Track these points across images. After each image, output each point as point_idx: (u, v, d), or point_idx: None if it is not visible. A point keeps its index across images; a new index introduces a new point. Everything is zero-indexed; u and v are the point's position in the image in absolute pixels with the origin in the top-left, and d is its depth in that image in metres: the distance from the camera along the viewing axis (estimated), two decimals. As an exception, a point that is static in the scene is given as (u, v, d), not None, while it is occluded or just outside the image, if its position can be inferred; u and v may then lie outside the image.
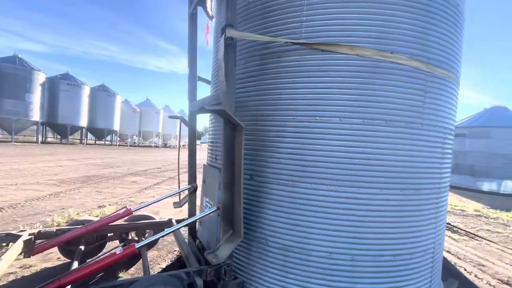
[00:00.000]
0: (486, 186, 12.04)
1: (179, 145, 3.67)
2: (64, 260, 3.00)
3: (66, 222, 4.12)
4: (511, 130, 11.72)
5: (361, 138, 1.99)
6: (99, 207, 5.25)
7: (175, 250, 3.55)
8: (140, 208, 2.99)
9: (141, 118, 35.43)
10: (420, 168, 2.11)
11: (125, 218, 3.11)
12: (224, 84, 1.99)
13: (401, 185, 2.05)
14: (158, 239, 2.97)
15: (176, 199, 3.46)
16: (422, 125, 2.09)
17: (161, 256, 3.38)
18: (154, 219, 3.37)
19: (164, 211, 5.33)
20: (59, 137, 29.73)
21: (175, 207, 3.47)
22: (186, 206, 3.42)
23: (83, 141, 29.37)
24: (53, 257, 3.07)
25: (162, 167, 13.29)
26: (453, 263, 3.79)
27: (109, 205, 5.44)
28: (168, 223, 3.30)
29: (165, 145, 41.54)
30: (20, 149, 16.78)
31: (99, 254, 3.03)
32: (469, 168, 12.46)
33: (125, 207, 2.98)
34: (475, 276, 3.45)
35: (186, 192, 3.44)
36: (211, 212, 2.32)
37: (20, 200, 5.30)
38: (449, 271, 3.45)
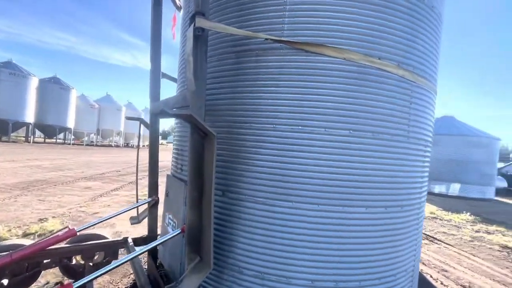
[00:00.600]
0: (437, 188, 13.17)
1: (138, 151, 3.19)
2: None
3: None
4: (458, 138, 12.99)
5: (347, 151, 1.79)
6: (40, 220, 4.45)
7: (131, 273, 3.06)
8: (85, 228, 2.48)
9: (100, 115, 32.61)
10: (403, 184, 1.99)
11: (68, 240, 2.56)
12: (193, 83, 1.65)
13: (385, 202, 1.90)
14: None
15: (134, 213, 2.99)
16: (407, 138, 1.97)
17: (114, 282, 2.88)
18: (106, 238, 2.85)
19: (122, 224, 4.71)
20: (-2, 134, 25.98)
21: (132, 223, 2.99)
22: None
23: (29, 139, 26.01)
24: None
25: (122, 170, 12.19)
26: (420, 270, 3.87)
27: (53, 217, 4.65)
28: (123, 243, 2.81)
29: (127, 145, 38.84)
30: None
31: None
32: (423, 172, 13.50)
33: (67, 227, 2.45)
34: (441, 283, 3.53)
35: (146, 205, 2.99)
36: (175, 235, 1.95)
37: None
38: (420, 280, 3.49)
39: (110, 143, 37.08)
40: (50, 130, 27.04)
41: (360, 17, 1.80)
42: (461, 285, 3.53)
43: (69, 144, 29.03)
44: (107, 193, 7.16)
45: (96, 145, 32.59)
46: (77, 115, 29.04)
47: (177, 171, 2.51)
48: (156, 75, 2.94)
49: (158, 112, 2.82)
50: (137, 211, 3.01)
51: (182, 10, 2.93)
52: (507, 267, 4.37)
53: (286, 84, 1.81)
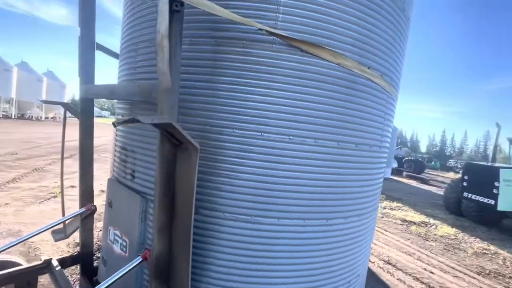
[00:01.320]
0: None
1: (63, 145, 2.44)
2: None
3: None
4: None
5: (334, 163, 1.73)
6: None
7: (55, 300, 2.43)
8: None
9: (-23, 75, 24.58)
10: (371, 191, 2.09)
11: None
12: (167, 77, 1.23)
13: (359, 211, 1.96)
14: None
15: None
16: (380, 148, 2.05)
17: (30, 317, 2.22)
18: (19, 264, 2.13)
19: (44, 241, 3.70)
20: None
21: (56, 240, 2.32)
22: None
23: None
24: None
25: (21, 151, 9.65)
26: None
27: None
28: (45, 267, 2.16)
29: (22, 116, 31.05)
30: None
31: None
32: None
33: None
34: (369, 260, 4.14)
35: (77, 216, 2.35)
36: (134, 266, 1.54)
37: None
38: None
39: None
40: None
41: (354, 20, 1.67)
42: (383, 260, 4.22)
43: None
44: (2, 185, 5.53)
45: (-27, 116, 24.84)
46: None
47: (127, 177, 2.00)
48: (87, 46, 2.19)
49: (89, 97, 2.15)
50: (64, 224, 2.34)
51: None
52: (408, 239, 5.47)
53: (280, 86, 1.56)
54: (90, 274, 2.40)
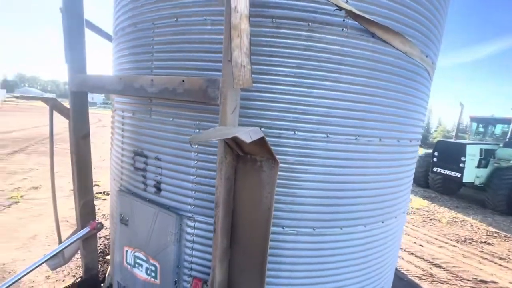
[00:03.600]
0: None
1: (52, 148, 1.93)
2: None
3: None
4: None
5: (394, 162, 1.60)
6: None
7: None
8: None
9: None
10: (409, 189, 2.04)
11: None
12: (249, 73, 0.92)
13: (403, 208, 1.90)
14: None
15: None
16: (418, 141, 1.97)
17: None
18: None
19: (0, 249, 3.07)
20: None
21: (53, 269, 1.90)
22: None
23: None
24: None
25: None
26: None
27: None
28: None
29: None
30: None
31: None
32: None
33: None
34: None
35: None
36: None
37: None
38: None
39: None
40: None
41: (422, 6, 1.47)
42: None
43: None
44: None
45: None
46: None
47: (148, 189, 1.63)
48: (75, 22, 1.67)
49: (82, 89, 1.67)
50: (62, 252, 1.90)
51: None
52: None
53: (349, 79, 1.33)
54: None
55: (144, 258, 1.66)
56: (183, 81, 1.13)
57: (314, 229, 1.44)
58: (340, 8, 1.16)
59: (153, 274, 1.63)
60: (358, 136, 1.41)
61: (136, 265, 1.71)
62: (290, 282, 1.47)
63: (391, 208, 1.70)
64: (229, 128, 0.83)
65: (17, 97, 1.74)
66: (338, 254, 1.51)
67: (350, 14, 1.19)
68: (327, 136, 1.36)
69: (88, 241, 1.93)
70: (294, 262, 1.46)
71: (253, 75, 1.29)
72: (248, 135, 0.79)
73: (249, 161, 1.13)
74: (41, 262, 1.61)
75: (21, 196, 4.72)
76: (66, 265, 2.16)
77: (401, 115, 1.55)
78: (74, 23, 1.65)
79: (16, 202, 4.49)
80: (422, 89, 1.66)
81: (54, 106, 1.76)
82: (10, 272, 2.73)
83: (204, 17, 1.31)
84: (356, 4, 1.28)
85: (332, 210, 1.44)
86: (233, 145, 1.07)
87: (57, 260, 1.91)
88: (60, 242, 1.87)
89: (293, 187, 1.38)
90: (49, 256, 1.66)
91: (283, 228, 1.42)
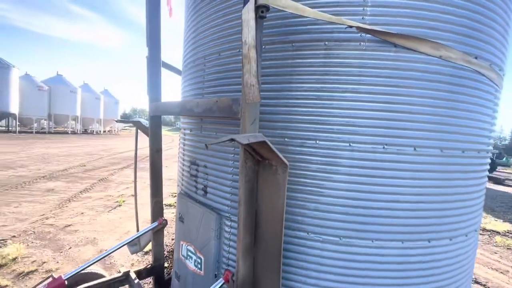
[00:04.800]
0: None
1: (136, 162, 2.55)
2: None
3: None
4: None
5: (438, 174, 1.45)
6: (-6, 244, 3.56)
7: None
8: (75, 273, 1.88)
9: (51, 98, 28.71)
10: (479, 206, 1.74)
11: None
12: (256, 91, 1.13)
13: (466, 229, 1.64)
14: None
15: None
16: (487, 152, 1.69)
17: (113, 326, 2.34)
18: (102, 276, 2.26)
19: (106, 238, 4.01)
20: None
21: (132, 253, 2.42)
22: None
23: (-39, 127, 22.00)
24: None
25: (87, 163, 10.84)
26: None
27: (13, 237, 3.78)
28: (124, 279, 2.25)
29: (85, 131, 35.28)
30: None
31: None
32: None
33: (51, 275, 1.82)
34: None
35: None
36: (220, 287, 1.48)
37: None
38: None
39: (66, 129, 33.29)
40: (-12, 117, 23.18)
41: (458, 4, 1.39)
42: (469, 278, 3.62)
43: (15, 132, 25.29)
44: (76, 196, 6.19)
45: (50, 133, 28.98)
46: (22, 99, 25.17)
47: (198, 192, 1.97)
48: (155, 64, 2.26)
49: (157, 114, 2.20)
50: (138, 237, 2.43)
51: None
52: (495, 252, 4.66)
53: (368, 89, 1.37)
54: (162, 287, 2.45)
55: (193, 251, 1.97)
56: (217, 101, 1.42)
57: (340, 238, 1.44)
58: (351, 26, 1.26)
59: (199, 266, 1.90)
60: (386, 145, 1.39)
61: (188, 257, 2.03)
62: (317, 291, 1.48)
63: (440, 226, 1.51)
64: (242, 137, 1.04)
65: (116, 121, 2.42)
66: (367, 268, 1.44)
67: (361, 30, 1.27)
68: (350, 145, 1.40)
69: (157, 234, 2.39)
70: (320, 269, 1.47)
71: (276, 93, 1.49)
72: (246, 138, 0.98)
73: (267, 166, 1.30)
74: (124, 243, 2.11)
75: (123, 201, 6.00)
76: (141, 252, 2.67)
77: (444, 122, 1.43)
78: (154, 66, 2.24)
79: (120, 205, 5.74)
80: (473, 93, 1.49)
81: (139, 126, 2.35)
82: (109, 257, 3.51)
83: (238, 50, 1.61)
84: (375, 18, 1.34)
85: (360, 220, 1.42)
86: (251, 151, 1.26)
87: (135, 246, 2.42)
88: (138, 231, 2.38)
89: (316, 193, 1.45)
90: (129, 240, 2.16)
91: (307, 234, 1.48)
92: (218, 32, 1.75)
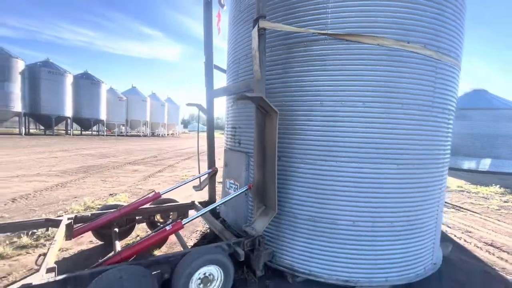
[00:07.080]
0: (466, 164, 12.93)
1: (198, 132, 3.82)
2: (95, 242, 3.17)
3: (85, 210, 4.24)
4: (489, 112, 12.48)
5: (381, 120, 2.24)
6: (111, 195, 5.35)
7: (197, 230, 3.79)
8: (167, 192, 3.17)
9: (128, 106, 34.48)
10: (429, 146, 2.41)
11: (152, 202, 3.28)
12: (259, 73, 2.17)
13: (413, 161, 2.34)
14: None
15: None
16: (432, 108, 2.37)
17: (186, 236, 3.62)
18: (177, 202, 3.56)
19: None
20: (41, 128, 28.58)
21: (196, 190, 3.67)
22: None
23: (68, 131, 28.39)
24: (84, 241, 3.23)
25: (158, 155, 13.29)
26: (444, 231, 4.27)
27: (121, 192, 5.55)
28: (191, 205, 3.51)
29: (153, 134, 40.89)
30: (5, 141, 16.13)
31: (149, 233, 3.23)
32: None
33: (153, 191, 3.16)
34: (464, 240, 3.93)
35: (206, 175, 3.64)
36: (243, 192, 2.55)
37: (29, 191, 5.31)
38: (442, 238, 3.91)
39: (138, 133, 39.29)
40: (85, 123, 29.26)
41: (392, 8, 2.17)
42: (483, 242, 3.90)
43: (103, 135, 31.28)
44: (153, 174, 8.09)
45: (126, 135, 34.75)
46: (107, 108, 31.00)
47: (235, 145, 3.09)
48: (209, 66, 3.48)
49: (212, 98, 3.40)
50: (199, 180, 3.68)
51: (229, 8, 3.40)
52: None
53: (330, 68, 2.26)
54: (214, 215, 3.64)
55: (233, 182, 3.08)
56: (243, 82, 2.50)
57: (317, 160, 2.35)
58: (313, 33, 2.19)
59: (235, 190, 3.00)
60: (343, 101, 2.26)
61: (230, 187, 3.16)
62: (302, 195, 2.41)
63: (388, 155, 2.27)
64: (249, 94, 2.07)
65: (187, 104, 3.74)
66: (336, 180, 2.31)
67: (320, 34, 2.19)
68: (321, 103, 2.31)
69: (212, 179, 3.59)
70: (300, 180, 2.40)
71: (278, 74, 2.49)
72: (251, 94, 2.01)
73: (268, 115, 2.31)
74: (192, 179, 3.35)
75: (187, 178, 7.60)
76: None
77: (381, 85, 2.22)
78: (209, 67, 3.46)
79: (182, 179, 7.33)
80: (408, 65, 2.23)
81: (200, 108, 3.60)
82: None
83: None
84: (334, 25, 2.24)
85: (328, 145, 2.31)
86: (259, 107, 2.29)
87: (197, 187, 3.67)
88: (199, 172, 3.62)
89: (301, 133, 2.39)
90: (192, 179, 3.40)
91: (297, 159, 2.43)
92: (245, 43, 2.83)
